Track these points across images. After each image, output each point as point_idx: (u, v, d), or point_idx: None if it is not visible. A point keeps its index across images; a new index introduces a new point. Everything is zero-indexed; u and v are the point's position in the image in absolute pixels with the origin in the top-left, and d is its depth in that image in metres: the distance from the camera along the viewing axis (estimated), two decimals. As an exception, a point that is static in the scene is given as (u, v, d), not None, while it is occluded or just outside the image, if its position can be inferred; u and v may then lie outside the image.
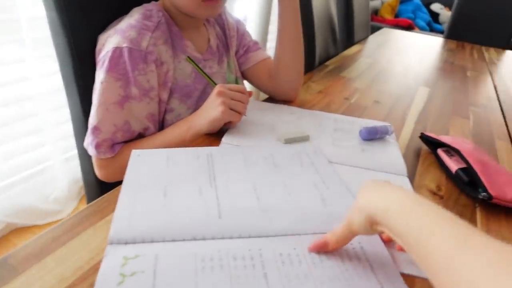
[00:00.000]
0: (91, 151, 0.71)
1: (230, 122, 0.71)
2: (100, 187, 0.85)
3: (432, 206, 0.32)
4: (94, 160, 0.74)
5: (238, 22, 0.92)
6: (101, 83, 0.67)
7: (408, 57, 1.62)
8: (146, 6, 0.75)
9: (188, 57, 0.73)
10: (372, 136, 0.76)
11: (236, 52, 0.91)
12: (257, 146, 0.67)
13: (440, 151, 0.73)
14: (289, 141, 0.70)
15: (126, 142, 0.73)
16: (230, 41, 0.88)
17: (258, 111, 0.82)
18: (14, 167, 1.27)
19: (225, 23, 0.88)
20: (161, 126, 0.77)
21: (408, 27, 3.56)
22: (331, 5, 1.44)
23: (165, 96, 0.74)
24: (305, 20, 1.20)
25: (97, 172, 0.74)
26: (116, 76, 0.67)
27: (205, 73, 0.74)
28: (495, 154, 0.80)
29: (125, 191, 0.49)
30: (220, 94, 0.68)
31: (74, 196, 1.43)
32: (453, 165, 0.68)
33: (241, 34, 0.91)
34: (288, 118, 0.81)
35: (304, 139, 0.71)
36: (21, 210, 1.28)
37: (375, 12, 3.93)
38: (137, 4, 0.77)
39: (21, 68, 1.23)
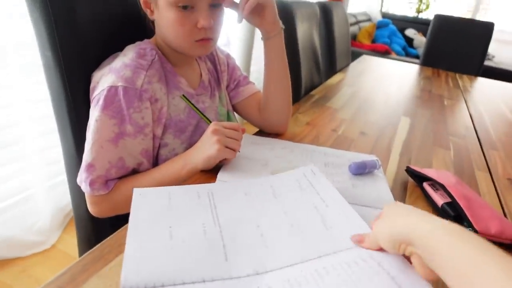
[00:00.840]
0: (85, 188, 0.71)
1: (225, 159, 0.72)
2: (92, 222, 0.85)
3: (478, 238, 0.34)
4: (87, 196, 0.73)
5: (228, 57, 0.95)
6: (96, 121, 0.68)
7: (388, 84, 1.69)
8: (140, 44, 0.77)
9: (183, 95, 0.75)
10: (361, 171, 0.79)
11: (227, 86, 0.94)
12: (257, 180, 0.68)
13: (426, 185, 0.76)
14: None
15: (120, 178, 0.73)
16: (221, 75, 0.91)
17: (251, 146, 0.84)
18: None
19: (215, 58, 0.91)
20: (155, 160, 0.78)
21: (385, 52, 3.70)
22: (314, 35, 1.50)
23: (159, 131, 0.75)
24: (291, 51, 1.25)
25: (90, 208, 0.74)
26: (111, 114, 0.68)
27: (198, 110, 0.76)
28: (475, 185, 0.85)
29: (131, 234, 0.50)
30: (215, 132, 0.69)
31: (58, 226, 1.40)
32: (439, 199, 0.71)
33: (232, 68, 0.94)
34: (280, 153, 0.83)
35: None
36: (3, 242, 1.24)
37: (354, 37, 4.07)
38: (130, 41, 0.79)
39: (7, 94, 1.21)
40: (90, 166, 0.69)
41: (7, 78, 1.20)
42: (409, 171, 0.81)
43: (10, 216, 1.29)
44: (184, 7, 0.70)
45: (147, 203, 0.57)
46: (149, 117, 0.72)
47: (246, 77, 0.96)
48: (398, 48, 4.24)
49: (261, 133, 0.94)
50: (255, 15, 0.80)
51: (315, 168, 0.70)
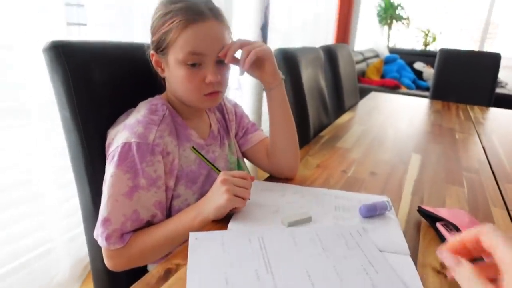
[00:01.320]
0: (101, 242, 0.72)
1: (235, 208, 0.74)
2: (108, 274, 0.86)
3: None
4: (103, 250, 0.75)
5: (235, 106, 0.98)
6: (111, 176, 0.71)
7: (397, 120, 1.70)
8: (151, 100, 0.81)
9: (193, 147, 0.78)
10: (372, 213, 0.78)
11: (236, 134, 0.97)
12: (303, 227, 0.72)
13: (439, 225, 0.75)
14: (292, 224, 0.72)
15: (135, 231, 0.75)
16: (229, 124, 0.94)
17: (261, 192, 0.86)
18: (15, 251, 1.26)
19: (223, 108, 0.95)
20: (169, 212, 0.80)
21: (395, 87, 3.74)
22: (320, 78, 1.55)
23: (171, 183, 0.78)
24: (297, 96, 1.29)
25: (107, 262, 0.75)
26: (125, 169, 0.71)
27: (208, 161, 0.79)
28: (492, 222, 0.83)
29: (191, 278, 0.54)
30: (224, 182, 0.71)
31: (77, 278, 1.41)
32: (453, 240, 0.70)
33: (239, 117, 0.97)
34: (291, 198, 0.84)
35: (306, 221, 0.74)
36: (22, 298, 1.24)
37: (362, 74, 4.14)
38: (143, 98, 0.84)
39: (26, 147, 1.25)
40: (106, 221, 0.71)
41: (28, 133, 1.25)
42: (421, 211, 0.80)
43: (30, 270, 1.30)
44: (193, 65, 0.75)
45: (202, 247, 0.62)
46: (162, 170, 0.75)
47: (254, 124, 0.99)
48: (408, 82, 4.28)
49: (272, 178, 0.96)
50: (255, 68, 0.84)
51: (361, 229, 0.72)
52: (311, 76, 1.44)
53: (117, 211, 0.71)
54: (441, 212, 0.78)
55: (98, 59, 0.81)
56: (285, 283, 0.54)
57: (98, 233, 0.73)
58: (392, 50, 5.35)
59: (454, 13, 6.13)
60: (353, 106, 1.98)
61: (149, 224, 0.77)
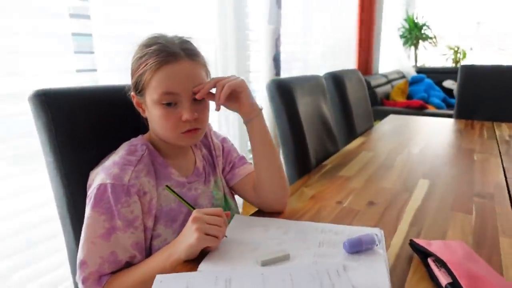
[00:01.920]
0: (80, 286, 0.72)
1: (209, 247, 0.71)
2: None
3: None
4: None
5: (223, 141, 0.98)
6: (87, 218, 0.72)
7: (412, 144, 1.62)
8: (132, 141, 0.83)
9: (167, 185, 0.78)
10: (357, 248, 0.73)
11: (223, 170, 0.96)
12: (278, 267, 0.68)
13: (430, 261, 0.69)
14: (266, 263, 0.69)
15: (113, 273, 0.74)
16: (216, 160, 0.94)
17: (243, 228, 0.83)
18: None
19: (210, 144, 0.95)
20: (149, 252, 0.79)
21: (420, 107, 3.62)
22: (322, 104, 1.52)
23: (150, 223, 0.77)
24: (293, 125, 1.27)
25: None
26: (101, 211, 0.71)
27: (182, 199, 0.77)
28: (498, 254, 0.75)
29: None
30: (194, 220, 0.70)
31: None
32: (443, 278, 0.63)
33: (227, 152, 0.97)
34: (273, 234, 0.81)
35: (283, 259, 0.70)
36: None
37: (387, 97, 4.05)
38: (127, 138, 0.85)
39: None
40: (82, 263, 0.71)
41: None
42: (413, 245, 0.74)
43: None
44: (168, 104, 0.76)
45: None
46: (138, 210, 0.75)
47: (242, 158, 0.98)
48: (437, 101, 4.12)
49: (261, 212, 0.93)
50: (231, 101, 0.84)
51: (341, 267, 0.67)
52: (310, 104, 1.42)
53: (93, 254, 0.71)
54: (434, 246, 0.71)
55: (81, 104, 0.84)
56: None
57: (77, 277, 0.73)
58: (420, 70, 5.22)
59: (484, 28, 5.93)
60: (366, 131, 1.92)
61: (129, 265, 0.76)
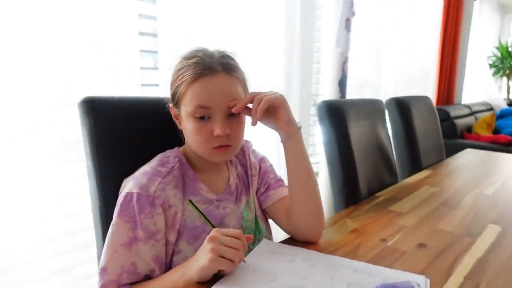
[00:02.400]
0: None
1: (223, 270, 0.67)
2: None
3: None
4: None
5: (261, 160, 0.94)
6: (112, 225, 0.72)
7: (486, 184, 1.41)
8: (166, 152, 0.83)
9: (189, 200, 0.75)
10: (391, 296, 0.63)
11: (257, 191, 0.91)
12: None
13: (481, 326, 0.56)
14: None
15: (132, 284, 0.73)
16: (251, 180, 0.90)
17: (267, 255, 0.77)
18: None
19: (247, 163, 0.91)
20: (169, 267, 0.77)
21: (508, 144, 3.20)
22: (379, 130, 1.40)
23: (172, 237, 0.75)
24: (343, 151, 1.18)
25: None
26: (126, 219, 0.71)
27: (203, 215, 0.74)
28: None
29: None
30: (211, 239, 0.66)
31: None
32: None
33: (263, 172, 0.92)
34: (298, 266, 0.73)
35: None
36: None
37: (468, 130, 3.67)
38: (162, 150, 0.85)
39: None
40: (103, 270, 0.71)
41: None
42: (462, 302, 0.62)
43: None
44: (201, 118, 0.75)
45: None
46: (161, 223, 0.73)
47: (279, 180, 0.93)
48: (530, 138, 3.63)
49: (293, 241, 0.86)
50: (269, 117, 0.80)
51: None
52: (366, 129, 1.31)
53: (114, 262, 0.71)
54: (489, 307, 0.58)
55: (123, 113, 0.87)
56: None
57: (97, 282, 0.73)
58: (512, 103, 4.69)
59: None
60: (435, 164, 1.73)
61: (147, 278, 0.74)
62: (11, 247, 1.12)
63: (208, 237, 0.67)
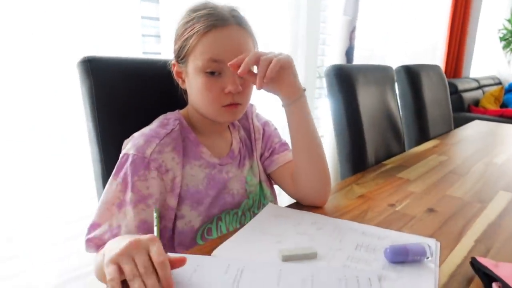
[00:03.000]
0: (83, 244, 0.68)
1: None
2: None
3: None
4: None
5: (265, 124, 0.90)
6: (108, 184, 0.69)
7: (496, 153, 1.38)
8: (167, 114, 0.79)
9: (156, 208, 0.64)
10: (401, 258, 0.61)
11: (262, 155, 0.88)
12: (300, 264, 0.60)
13: (495, 287, 0.54)
14: (288, 258, 0.60)
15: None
16: (254, 144, 0.87)
17: (272, 219, 0.75)
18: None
19: (251, 126, 0.88)
20: (172, 232, 0.75)
21: (517, 117, 3.15)
22: (388, 98, 1.36)
23: (173, 202, 0.73)
24: (351, 118, 1.15)
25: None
26: (119, 180, 0.68)
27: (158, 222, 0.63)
28: None
29: None
30: (131, 244, 0.49)
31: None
32: (508, 310, 0.49)
33: (268, 136, 0.89)
34: (305, 229, 0.72)
35: (308, 257, 0.61)
36: None
37: (476, 103, 3.61)
38: (163, 111, 0.82)
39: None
40: (94, 225, 0.68)
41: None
42: (475, 264, 0.60)
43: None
44: (212, 73, 0.71)
45: (176, 271, 0.53)
46: (155, 188, 0.70)
47: (284, 144, 0.90)
48: (539, 112, 3.57)
49: (299, 205, 0.84)
50: (273, 80, 0.72)
51: (374, 276, 0.57)
52: (374, 97, 1.27)
53: (106, 219, 0.68)
54: (503, 269, 0.57)
55: (123, 74, 0.83)
56: None
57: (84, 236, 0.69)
58: (522, 77, 4.59)
59: None
60: (443, 134, 1.70)
61: None
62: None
63: (136, 238, 0.51)
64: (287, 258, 0.61)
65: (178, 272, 0.53)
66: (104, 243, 0.68)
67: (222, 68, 0.70)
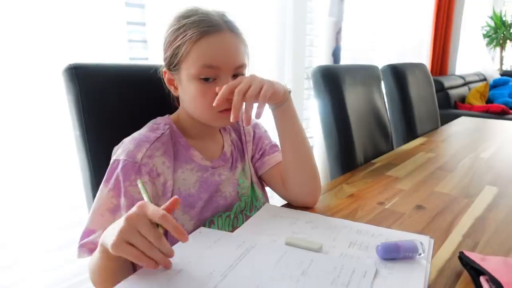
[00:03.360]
0: (76, 249, 0.68)
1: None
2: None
3: None
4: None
5: (255, 126, 0.91)
6: (99, 190, 0.69)
7: (482, 148, 1.41)
8: (157, 120, 0.79)
9: (140, 179, 0.65)
10: (392, 255, 0.62)
11: (252, 157, 0.89)
12: (304, 251, 0.63)
13: (483, 281, 0.56)
14: (291, 244, 0.65)
15: None
16: (245, 146, 0.87)
17: (268, 218, 0.76)
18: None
19: (241, 129, 0.88)
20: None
21: (502, 112, 3.21)
22: (375, 98, 1.37)
23: None
24: (339, 117, 1.16)
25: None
26: (111, 186, 0.68)
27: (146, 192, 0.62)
28: None
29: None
30: (127, 218, 0.51)
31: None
32: (496, 302, 0.50)
33: (258, 138, 0.90)
34: (300, 228, 0.72)
35: (313, 248, 0.64)
36: None
37: (462, 100, 3.67)
38: (151, 118, 0.82)
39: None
40: (88, 231, 0.68)
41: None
42: (463, 259, 0.61)
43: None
44: (206, 79, 0.70)
45: (196, 241, 0.65)
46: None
47: (274, 146, 0.90)
48: (524, 107, 3.64)
49: (290, 206, 0.84)
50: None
51: (371, 270, 0.58)
52: (361, 96, 1.29)
53: (99, 225, 0.67)
54: (490, 262, 0.58)
55: (109, 81, 0.83)
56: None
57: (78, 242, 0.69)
58: (506, 73, 4.68)
59: None
60: (430, 132, 1.72)
61: None
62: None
63: (128, 213, 0.53)
64: (289, 243, 0.64)
65: (200, 242, 0.64)
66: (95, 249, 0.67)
67: (217, 73, 0.70)
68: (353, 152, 1.17)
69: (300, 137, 0.79)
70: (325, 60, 2.35)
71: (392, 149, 1.45)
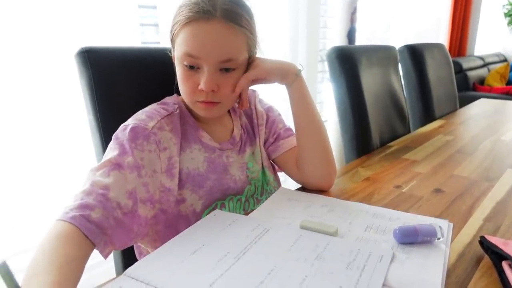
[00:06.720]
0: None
1: None
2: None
3: None
4: None
5: (268, 110, 0.89)
6: (105, 153, 0.67)
7: (503, 131, 1.36)
8: (166, 99, 0.79)
9: None
10: (410, 239, 0.61)
11: (266, 141, 0.87)
12: (319, 234, 0.62)
13: (505, 265, 0.54)
14: (306, 227, 0.63)
15: (93, 209, 0.58)
16: (257, 130, 0.86)
17: (283, 202, 0.75)
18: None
19: (253, 112, 0.87)
20: (176, 217, 0.74)
21: (523, 94, 3.11)
22: (392, 79, 1.34)
23: (170, 184, 0.70)
24: (355, 99, 1.13)
25: None
26: (114, 146, 0.66)
27: None
28: None
29: (173, 241, 0.59)
30: None
31: None
32: (520, 288, 0.49)
33: (271, 122, 0.88)
34: (316, 211, 0.71)
35: (328, 231, 0.62)
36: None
37: (481, 82, 3.56)
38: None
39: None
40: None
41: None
42: (484, 243, 0.59)
43: None
44: (191, 67, 0.68)
45: (211, 223, 0.65)
46: (149, 163, 0.67)
47: (289, 129, 0.89)
48: (546, 89, 3.51)
49: (305, 190, 0.83)
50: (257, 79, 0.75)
51: (387, 255, 0.57)
52: (378, 77, 1.25)
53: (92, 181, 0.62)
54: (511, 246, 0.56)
55: (122, 63, 0.82)
56: (239, 271, 0.52)
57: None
58: (527, 53, 4.51)
59: None
60: (448, 114, 1.68)
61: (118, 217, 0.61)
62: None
63: None
64: (304, 227, 0.64)
65: (215, 224, 0.64)
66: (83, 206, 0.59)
67: (199, 63, 0.67)
68: (369, 135, 1.15)
69: (314, 116, 0.78)
70: (339, 42, 2.30)
71: (409, 132, 1.42)
